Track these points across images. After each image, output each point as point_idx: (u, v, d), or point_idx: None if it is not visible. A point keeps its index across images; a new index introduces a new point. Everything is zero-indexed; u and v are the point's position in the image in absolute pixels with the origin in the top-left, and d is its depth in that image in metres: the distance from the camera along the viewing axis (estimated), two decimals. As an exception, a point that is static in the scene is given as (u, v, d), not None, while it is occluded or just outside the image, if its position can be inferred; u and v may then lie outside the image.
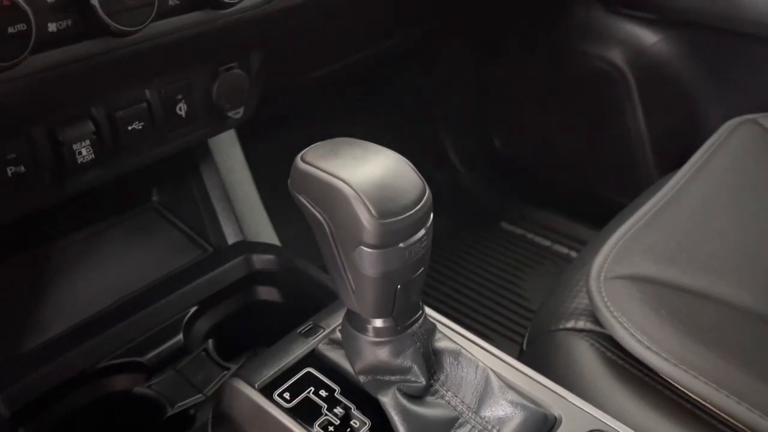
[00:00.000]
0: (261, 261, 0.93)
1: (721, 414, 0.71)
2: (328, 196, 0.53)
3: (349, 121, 1.77)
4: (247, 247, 0.96)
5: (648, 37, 1.47)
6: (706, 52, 1.42)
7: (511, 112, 1.85)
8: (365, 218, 0.51)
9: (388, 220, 0.51)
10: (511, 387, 0.61)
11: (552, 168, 1.80)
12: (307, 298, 0.88)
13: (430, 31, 1.67)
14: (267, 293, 0.94)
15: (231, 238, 1.00)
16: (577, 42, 1.57)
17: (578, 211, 1.78)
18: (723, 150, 1.10)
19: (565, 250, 1.75)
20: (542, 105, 1.75)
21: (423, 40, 1.73)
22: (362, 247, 0.52)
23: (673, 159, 1.34)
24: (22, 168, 0.69)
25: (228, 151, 1.06)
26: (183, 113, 0.80)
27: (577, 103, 1.66)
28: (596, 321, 0.82)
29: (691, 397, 0.73)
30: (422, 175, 0.55)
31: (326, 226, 0.54)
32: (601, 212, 1.42)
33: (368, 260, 0.53)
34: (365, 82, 1.81)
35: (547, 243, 1.78)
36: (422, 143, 1.97)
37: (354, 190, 0.51)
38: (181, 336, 0.85)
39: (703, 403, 0.72)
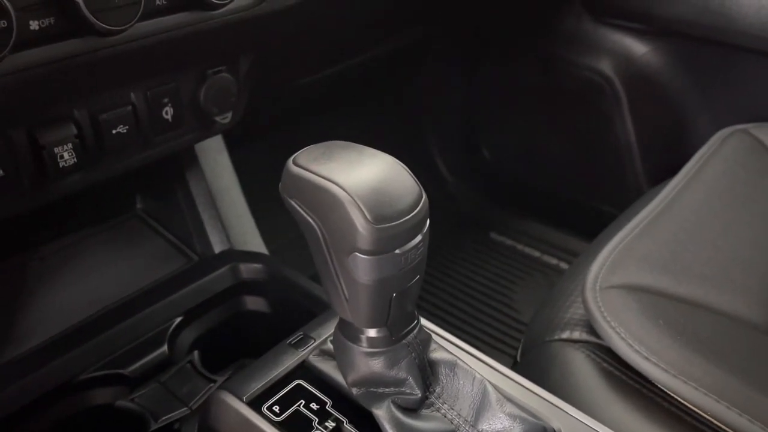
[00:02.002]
0: (248, 270, 0.91)
1: (722, 426, 0.70)
2: (322, 200, 0.51)
3: (336, 128, 1.76)
4: (234, 255, 0.93)
5: (637, 47, 1.47)
6: (695, 63, 1.42)
7: (500, 122, 1.84)
8: (360, 223, 0.49)
9: (384, 225, 0.49)
10: (508, 399, 0.59)
11: (541, 178, 1.80)
12: (296, 308, 0.86)
13: (419, 39, 1.67)
14: (254, 303, 0.92)
15: (217, 247, 0.98)
16: (566, 52, 1.57)
17: (567, 222, 1.78)
18: (715, 160, 1.10)
19: (554, 261, 1.74)
20: (531, 115, 1.75)
21: (412, 48, 1.72)
22: (357, 253, 0.50)
23: (662, 169, 1.34)
24: (1, 172, 0.66)
25: (215, 157, 1.04)
26: (169, 117, 0.78)
27: (566, 113, 1.66)
28: (592, 331, 0.81)
29: (690, 408, 0.72)
30: (413, 182, 0.54)
31: (319, 232, 0.52)
32: (591, 223, 1.41)
33: (363, 267, 0.51)
34: (353, 90, 1.79)
35: (536, 254, 1.77)
36: (410, 152, 1.95)
37: (348, 193, 0.49)
38: (165, 347, 0.82)
39: (703, 414, 0.71)
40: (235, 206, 1.05)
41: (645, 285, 0.84)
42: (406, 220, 0.51)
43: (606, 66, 1.51)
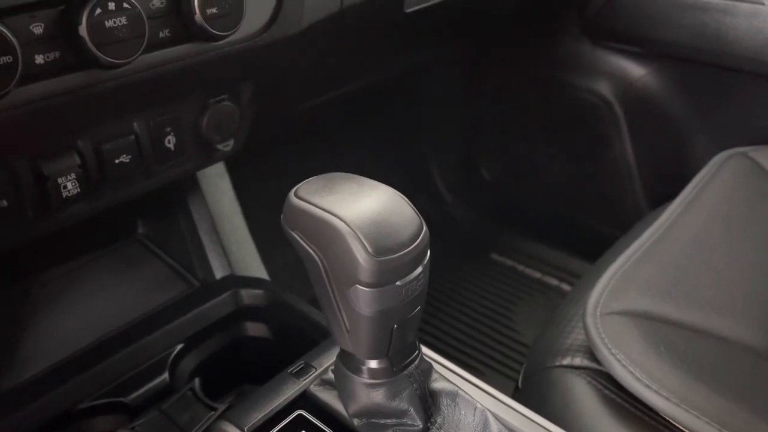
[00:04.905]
0: (249, 296, 0.91)
1: (724, 455, 0.70)
2: (323, 232, 0.51)
3: (338, 152, 1.77)
4: (235, 281, 0.93)
5: (635, 70, 1.48)
6: (693, 86, 1.43)
7: (500, 144, 1.85)
8: (361, 256, 0.49)
9: (385, 258, 0.50)
10: (510, 429, 0.59)
11: (541, 199, 1.80)
12: (298, 334, 0.86)
13: (419, 63, 1.68)
14: (256, 329, 0.92)
15: (219, 272, 0.98)
16: (565, 74, 1.58)
17: (567, 243, 1.78)
18: (714, 183, 1.11)
19: (555, 282, 1.74)
20: (531, 137, 1.76)
21: (412, 71, 1.73)
22: (358, 285, 0.51)
23: (662, 191, 1.35)
24: (5, 202, 0.67)
25: (216, 183, 1.04)
26: (171, 146, 0.79)
27: (565, 135, 1.67)
28: (593, 358, 0.81)
29: (693, 437, 0.71)
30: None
31: (320, 264, 0.53)
32: (591, 244, 1.42)
33: (364, 299, 0.51)
34: (354, 114, 1.81)
35: (537, 275, 1.77)
36: (411, 174, 1.97)
37: (349, 226, 0.50)
38: (166, 374, 0.82)
39: (706, 443, 0.70)
40: (237, 231, 1.05)
41: (646, 311, 0.84)
42: (406, 252, 0.51)
43: (604, 88, 1.52)
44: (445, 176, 1.98)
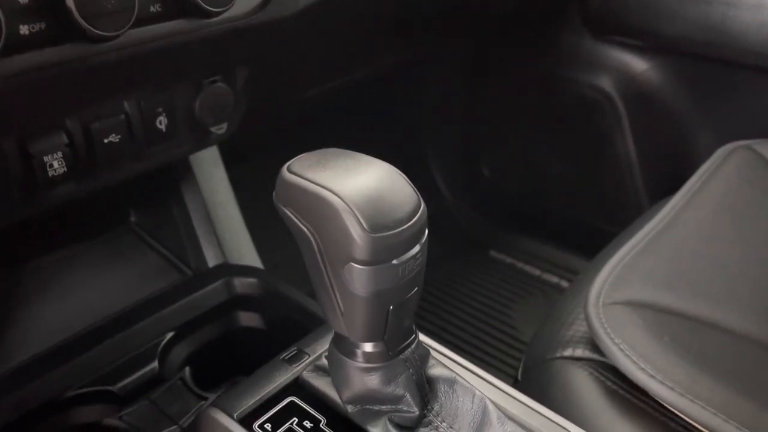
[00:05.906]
0: (243, 285, 0.89)
1: (730, 447, 0.67)
2: (316, 208, 0.49)
3: (334, 143, 1.75)
4: (229, 270, 0.92)
5: (638, 64, 1.46)
6: (696, 80, 1.42)
7: (500, 140, 1.84)
8: (356, 232, 0.47)
9: (381, 234, 0.48)
10: (509, 417, 0.57)
11: (541, 196, 1.79)
12: (291, 325, 0.84)
13: (419, 57, 1.67)
14: (249, 319, 0.90)
15: (212, 261, 0.96)
16: (566, 70, 1.56)
17: (568, 240, 1.76)
18: (717, 176, 1.09)
19: (555, 279, 1.72)
20: (531, 132, 1.74)
21: (412, 66, 1.72)
22: (352, 263, 0.49)
23: (663, 187, 1.33)
24: (-12, 180, 0.65)
25: (210, 170, 1.02)
26: (163, 127, 0.76)
27: (566, 130, 1.65)
28: (595, 348, 0.79)
29: (698, 429, 0.69)
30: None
31: (313, 242, 0.50)
32: (591, 241, 1.40)
33: (359, 278, 0.49)
34: (353, 112, 1.79)
35: (536, 272, 1.75)
36: (410, 169, 1.94)
37: (344, 201, 0.48)
38: (156, 363, 0.80)
39: (711, 435, 0.68)
40: (231, 220, 1.03)
41: (649, 301, 0.82)
42: (403, 229, 0.49)
43: (606, 83, 1.50)
44: (444, 173, 1.96)
